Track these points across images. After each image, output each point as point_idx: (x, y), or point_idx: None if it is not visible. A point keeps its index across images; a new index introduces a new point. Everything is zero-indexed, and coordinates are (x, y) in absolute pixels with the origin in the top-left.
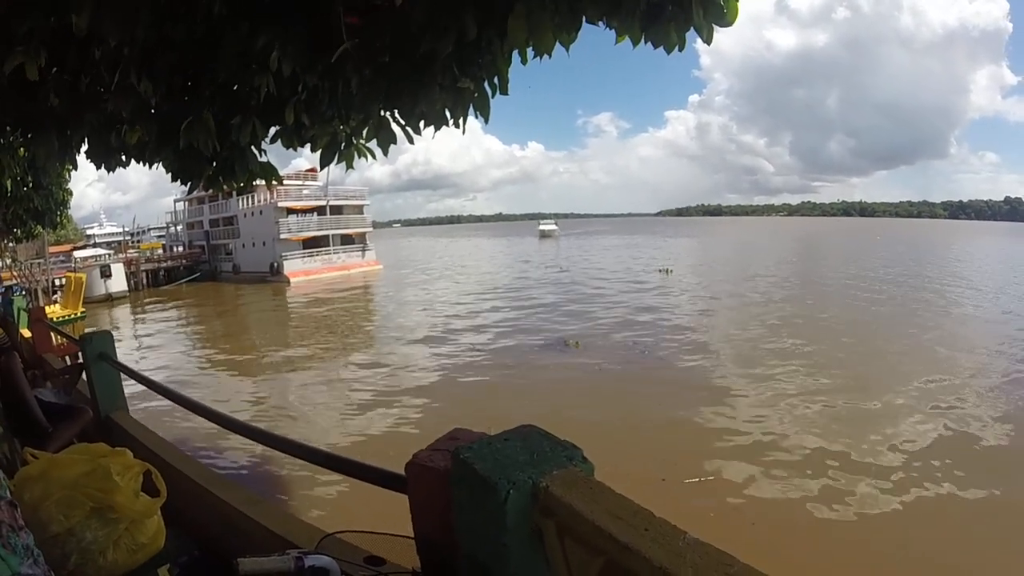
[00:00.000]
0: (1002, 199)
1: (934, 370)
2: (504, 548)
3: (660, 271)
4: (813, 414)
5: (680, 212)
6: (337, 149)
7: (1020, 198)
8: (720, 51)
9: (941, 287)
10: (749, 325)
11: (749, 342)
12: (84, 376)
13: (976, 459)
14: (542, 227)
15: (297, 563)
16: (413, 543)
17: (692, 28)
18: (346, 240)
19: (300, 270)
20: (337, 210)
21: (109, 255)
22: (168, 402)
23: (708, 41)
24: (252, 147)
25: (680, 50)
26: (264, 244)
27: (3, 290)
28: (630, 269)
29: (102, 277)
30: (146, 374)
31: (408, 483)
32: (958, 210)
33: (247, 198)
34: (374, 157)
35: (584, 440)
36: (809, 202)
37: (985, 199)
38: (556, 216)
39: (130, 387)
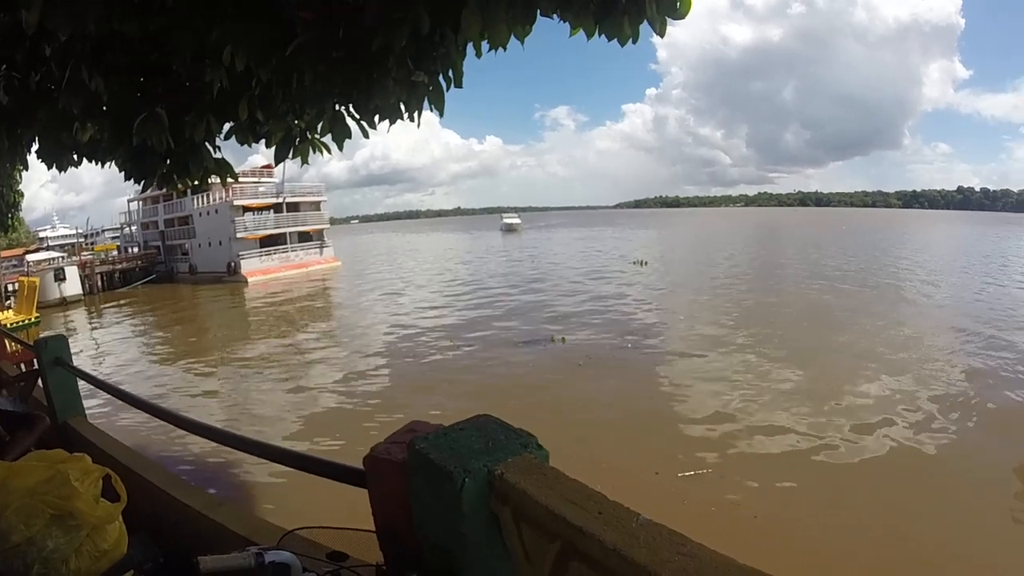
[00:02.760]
0: (955, 188)
1: (920, 356)
2: (462, 536)
3: (635, 263)
4: (808, 405)
5: (638, 204)
6: (292, 144)
7: (972, 187)
8: (677, 45)
9: (931, 275)
10: (734, 316)
11: (736, 332)
12: (40, 383)
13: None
14: (506, 220)
15: (257, 559)
16: (374, 536)
17: (645, 21)
18: (304, 237)
19: (258, 269)
20: (294, 207)
21: (63, 258)
22: (126, 406)
23: (661, 34)
24: (206, 143)
25: (634, 42)
26: (220, 243)
27: None
28: (604, 262)
29: (56, 281)
30: (103, 378)
31: (367, 477)
32: (912, 199)
33: (202, 197)
34: (329, 152)
35: (573, 435)
36: (766, 193)
37: (938, 188)
38: (515, 209)
39: (87, 392)
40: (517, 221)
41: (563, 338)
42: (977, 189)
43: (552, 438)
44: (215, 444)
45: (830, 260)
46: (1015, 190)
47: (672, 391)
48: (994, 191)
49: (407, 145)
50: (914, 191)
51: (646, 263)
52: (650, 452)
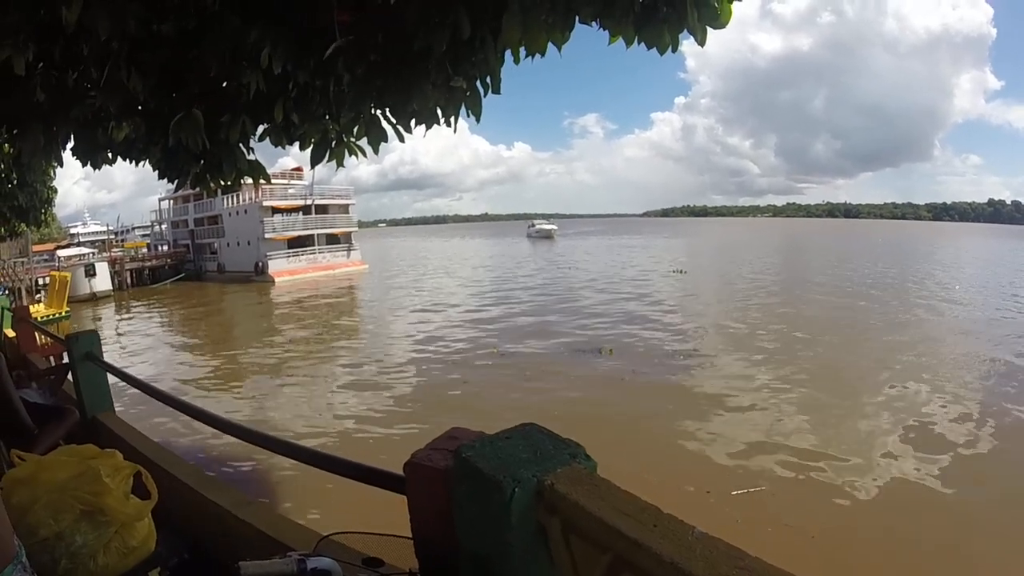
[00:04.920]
0: (985, 201)
1: (988, 380)
2: (508, 547)
3: (674, 272)
4: (869, 425)
5: (665, 212)
6: (327, 147)
7: (1004, 200)
8: (706, 54)
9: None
10: (784, 330)
11: (787, 347)
12: (70, 376)
13: None
14: (540, 226)
15: (299, 566)
16: (411, 543)
17: (685, 29)
18: (331, 240)
19: (285, 270)
20: (322, 209)
21: (93, 254)
22: (155, 402)
23: (702, 43)
24: (240, 145)
25: (673, 51)
26: (249, 243)
27: None
28: (641, 270)
29: (86, 276)
30: (133, 374)
31: (407, 483)
32: (942, 212)
33: (232, 197)
34: (364, 155)
35: (620, 450)
36: (794, 203)
37: (969, 201)
38: (542, 216)
39: (116, 387)
40: (553, 227)
41: (611, 350)
42: (1008, 202)
43: (598, 453)
44: (243, 443)
45: (875, 275)
46: None
47: (723, 407)
48: None
49: (436, 150)
50: (944, 203)
51: (685, 272)
52: (701, 470)
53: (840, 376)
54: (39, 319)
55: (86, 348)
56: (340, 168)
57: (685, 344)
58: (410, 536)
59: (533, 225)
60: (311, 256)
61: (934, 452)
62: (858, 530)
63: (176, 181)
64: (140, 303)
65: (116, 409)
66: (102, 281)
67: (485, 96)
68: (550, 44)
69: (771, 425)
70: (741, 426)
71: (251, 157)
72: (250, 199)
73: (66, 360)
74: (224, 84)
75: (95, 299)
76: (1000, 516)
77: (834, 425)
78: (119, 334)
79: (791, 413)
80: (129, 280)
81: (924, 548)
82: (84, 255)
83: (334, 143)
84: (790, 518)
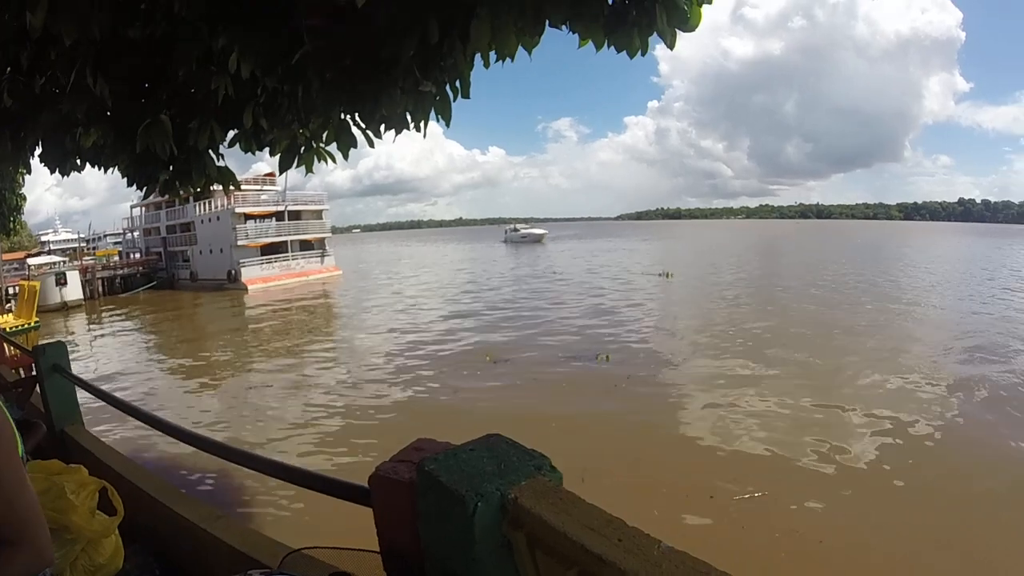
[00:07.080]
0: (956, 200)
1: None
2: (474, 562)
3: (660, 275)
4: (870, 428)
5: (640, 216)
6: (297, 153)
7: (973, 199)
8: (678, 58)
9: None
10: (779, 331)
11: (783, 349)
12: (38, 389)
13: None
14: (527, 230)
15: None
16: (379, 557)
17: (655, 33)
18: (305, 246)
19: (258, 277)
20: (296, 215)
21: (64, 262)
22: (125, 416)
23: (671, 46)
24: (210, 151)
25: (643, 54)
26: (221, 251)
27: None
28: (627, 274)
29: (57, 285)
30: (102, 387)
31: (372, 496)
32: (913, 211)
33: (204, 203)
34: (334, 161)
35: (622, 458)
36: (767, 205)
37: (939, 200)
38: (517, 220)
39: (85, 400)
40: (543, 231)
41: (607, 356)
42: (978, 201)
43: (598, 460)
44: (213, 457)
45: (863, 278)
46: (1016, 202)
47: (722, 411)
48: (995, 203)
49: (411, 155)
50: (915, 203)
51: (671, 275)
52: (702, 475)
53: (841, 378)
54: (8, 330)
55: (54, 360)
56: (310, 173)
57: (680, 349)
58: (378, 550)
59: (516, 229)
60: (284, 263)
61: (941, 453)
62: (864, 534)
63: (145, 188)
64: (111, 312)
65: (85, 421)
66: (73, 290)
67: (455, 101)
68: (520, 48)
69: (772, 429)
70: (742, 430)
71: (221, 163)
72: (222, 205)
73: (34, 372)
74: (192, 90)
75: (66, 308)
76: (1006, 518)
77: (836, 427)
78: (89, 344)
79: (792, 416)
80: (100, 289)
81: (931, 551)
82: (55, 263)
83: (303, 149)
84: (795, 522)
